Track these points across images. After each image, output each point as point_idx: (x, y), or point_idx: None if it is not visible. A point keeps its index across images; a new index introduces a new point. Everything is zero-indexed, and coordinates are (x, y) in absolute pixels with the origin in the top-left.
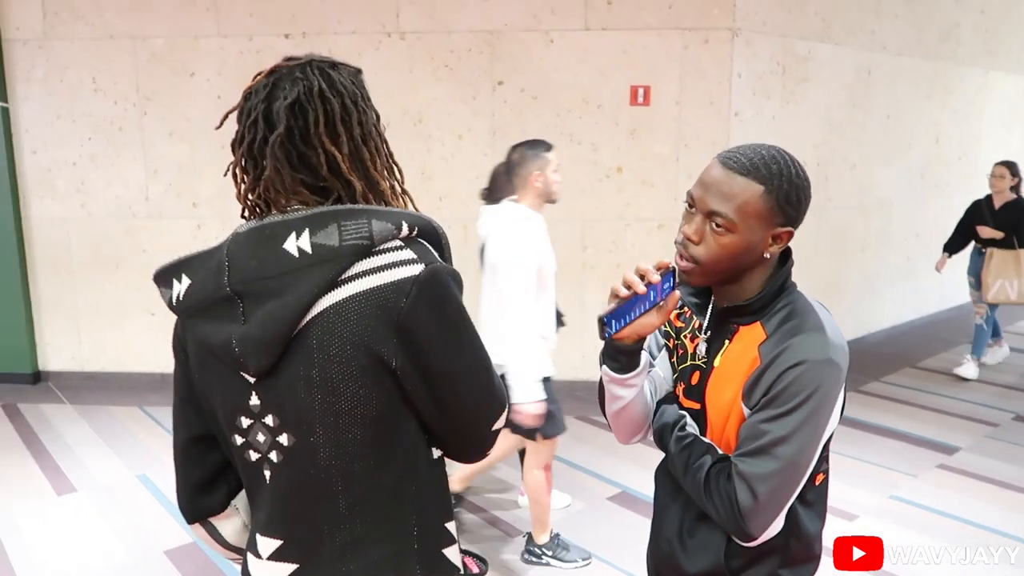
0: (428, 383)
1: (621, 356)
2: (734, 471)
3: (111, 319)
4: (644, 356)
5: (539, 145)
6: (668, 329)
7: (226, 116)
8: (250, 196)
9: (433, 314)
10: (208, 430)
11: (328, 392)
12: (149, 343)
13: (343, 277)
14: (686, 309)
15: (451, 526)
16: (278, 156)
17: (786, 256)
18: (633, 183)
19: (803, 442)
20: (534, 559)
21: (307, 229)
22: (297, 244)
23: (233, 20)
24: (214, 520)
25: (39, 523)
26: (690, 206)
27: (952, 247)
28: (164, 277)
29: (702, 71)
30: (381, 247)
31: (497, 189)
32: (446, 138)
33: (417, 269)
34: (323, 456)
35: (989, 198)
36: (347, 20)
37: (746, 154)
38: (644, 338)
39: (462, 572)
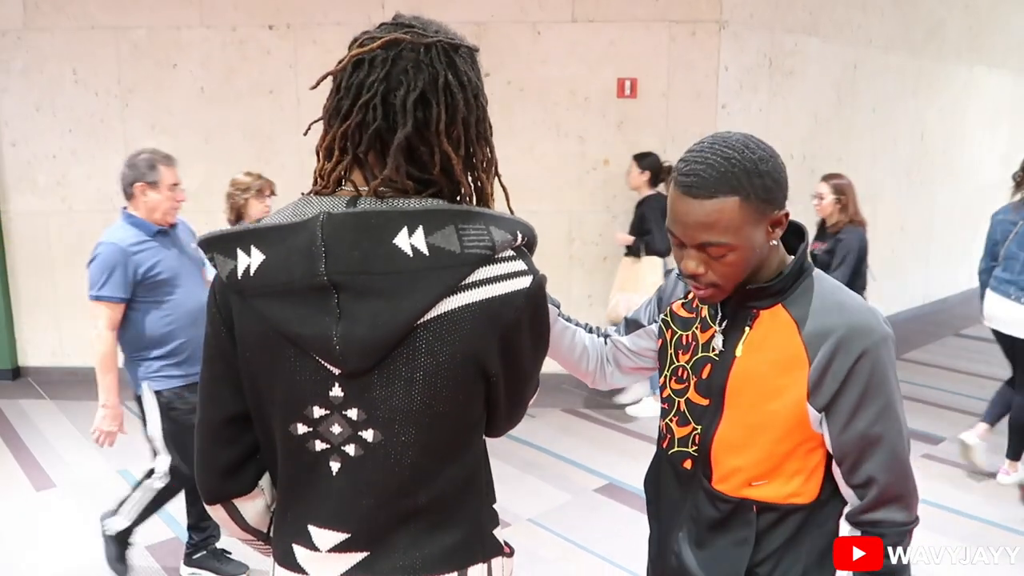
0: (510, 384)
1: None
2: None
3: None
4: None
5: None
6: (668, 318)
7: (324, 77)
8: (336, 175)
9: (532, 325)
10: (244, 410)
11: (429, 396)
12: None
13: (461, 284)
14: (691, 297)
15: (496, 508)
16: (397, 156)
17: (801, 233)
18: (620, 176)
19: (902, 416)
20: None
21: (421, 227)
22: (411, 242)
23: (217, 11)
24: (238, 501)
25: (17, 519)
26: (679, 243)
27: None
28: (224, 245)
29: (689, 64)
30: (498, 256)
31: None
32: None
33: (527, 281)
34: (411, 455)
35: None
36: (332, 11)
37: (702, 168)
38: None
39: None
